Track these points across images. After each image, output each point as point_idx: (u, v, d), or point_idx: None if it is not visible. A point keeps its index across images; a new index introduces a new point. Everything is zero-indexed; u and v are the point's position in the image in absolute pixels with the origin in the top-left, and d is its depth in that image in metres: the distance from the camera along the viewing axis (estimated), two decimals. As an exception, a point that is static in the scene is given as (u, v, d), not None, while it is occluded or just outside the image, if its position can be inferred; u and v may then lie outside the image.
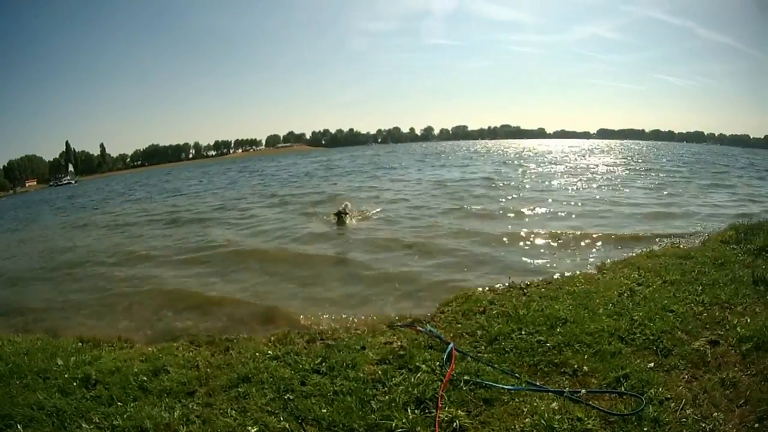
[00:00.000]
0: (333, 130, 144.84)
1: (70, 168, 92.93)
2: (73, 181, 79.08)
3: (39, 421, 2.91)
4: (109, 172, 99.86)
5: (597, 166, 27.19)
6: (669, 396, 2.60)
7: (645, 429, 2.35)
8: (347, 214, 10.56)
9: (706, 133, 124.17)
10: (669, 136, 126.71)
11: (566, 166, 26.70)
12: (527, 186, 16.48)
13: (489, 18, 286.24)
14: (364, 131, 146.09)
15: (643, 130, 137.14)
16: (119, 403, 3.03)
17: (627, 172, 22.44)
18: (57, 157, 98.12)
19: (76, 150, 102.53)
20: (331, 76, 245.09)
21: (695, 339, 3.22)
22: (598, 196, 13.10)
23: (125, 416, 2.85)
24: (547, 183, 17.33)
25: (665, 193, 13.97)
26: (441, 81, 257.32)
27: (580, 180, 18.37)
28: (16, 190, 78.81)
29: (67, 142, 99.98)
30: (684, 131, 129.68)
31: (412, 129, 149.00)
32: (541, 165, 28.24)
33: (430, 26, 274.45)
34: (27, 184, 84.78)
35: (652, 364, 2.95)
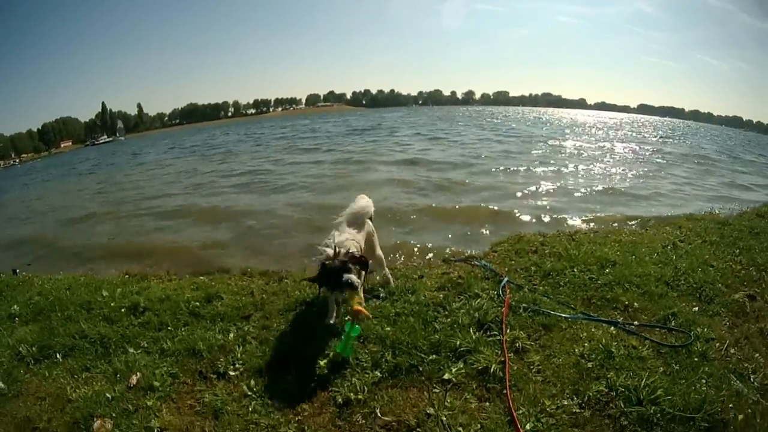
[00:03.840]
0: (374, 91, 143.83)
1: (120, 125, 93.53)
2: (122, 138, 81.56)
3: (80, 349, 2.86)
4: (146, 131, 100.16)
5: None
6: (713, 337, 2.71)
7: (695, 359, 2.47)
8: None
9: (744, 119, 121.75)
10: (708, 118, 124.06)
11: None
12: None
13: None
14: (405, 93, 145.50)
15: (682, 109, 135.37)
16: (169, 328, 3.02)
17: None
18: (93, 118, 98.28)
19: (113, 110, 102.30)
20: (373, 40, 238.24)
21: (734, 292, 3.32)
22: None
23: (176, 340, 2.83)
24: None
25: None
26: (483, 47, 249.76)
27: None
28: (50, 152, 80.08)
29: (103, 103, 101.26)
30: (722, 114, 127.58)
31: (453, 92, 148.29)
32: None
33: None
34: (62, 145, 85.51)
35: (696, 308, 3.06)
